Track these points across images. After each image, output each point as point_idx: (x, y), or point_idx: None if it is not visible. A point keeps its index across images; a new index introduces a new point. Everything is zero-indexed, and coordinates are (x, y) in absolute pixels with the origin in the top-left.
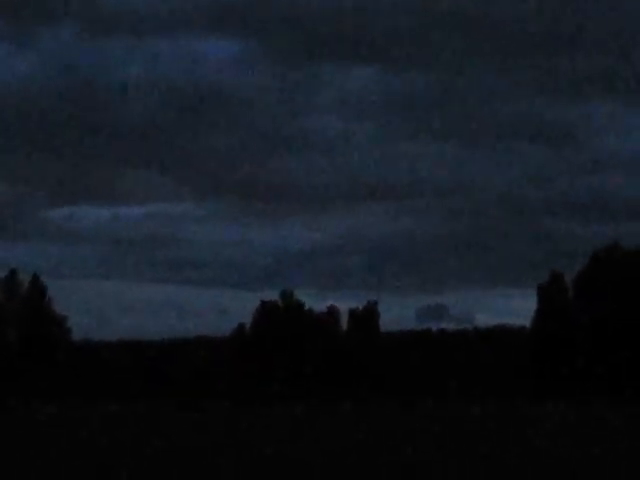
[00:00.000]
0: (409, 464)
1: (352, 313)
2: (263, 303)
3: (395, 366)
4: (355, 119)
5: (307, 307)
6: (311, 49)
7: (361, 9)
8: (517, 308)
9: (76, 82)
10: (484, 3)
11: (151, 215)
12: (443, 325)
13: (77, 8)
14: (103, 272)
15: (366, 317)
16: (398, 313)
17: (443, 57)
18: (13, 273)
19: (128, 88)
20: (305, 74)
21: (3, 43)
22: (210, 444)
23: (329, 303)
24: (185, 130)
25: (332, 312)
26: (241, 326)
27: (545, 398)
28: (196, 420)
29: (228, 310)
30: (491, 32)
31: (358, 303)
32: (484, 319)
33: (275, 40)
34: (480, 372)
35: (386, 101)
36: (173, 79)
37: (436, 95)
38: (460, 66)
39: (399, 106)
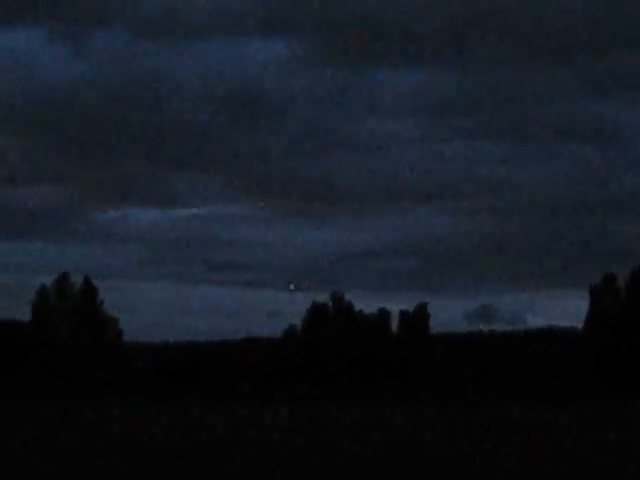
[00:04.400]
0: (472, 467)
1: (402, 315)
2: (314, 305)
3: (445, 368)
4: (405, 120)
5: (357, 309)
6: (361, 51)
7: (410, 12)
8: (569, 310)
9: (127, 85)
10: (532, 3)
11: (202, 217)
12: (493, 327)
13: (129, 12)
14: (154, 274)
15: (416, 319)
16: (448, 315)
17: (493, 58)
18: (65, 275)
19: (178, 91)
20: (355, 76)
21: (57, 47)
22: (264, 444)
23: (379, 305)
24: (235, 132)
25: (382, 314)
26: (292, 327)
27: (598, 399)
28: (248, 421)
29: (279, 312)
30: (540, 32)
31: (408, 305)
32: (535, 321)
33: (325, 42)
34: (531, 374)
35: (437, 102)
36: (223, 81)
37: (487, 96)
38: (510, 67)
39: (450, 107)
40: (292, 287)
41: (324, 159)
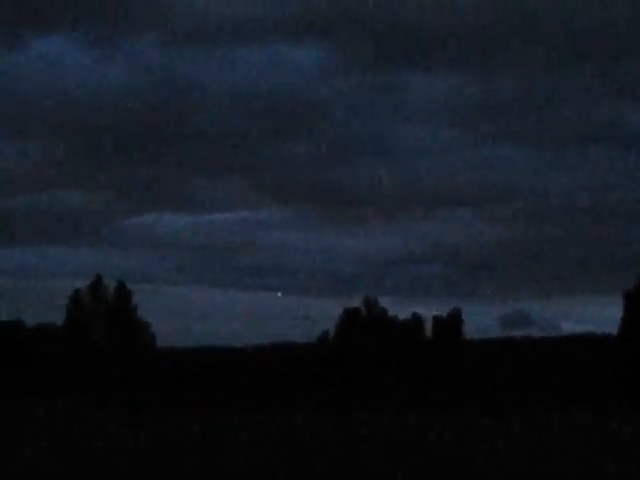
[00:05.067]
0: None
1: (436, 320)
2: (347, 310)
3: (479, 374)
4: (438, 126)
5: (391, 314)
6: (396, 56)
7: (446, 16)
8: (603, 315)
9: (160, 91)
10: (568, 9)
11: (234, 222)
12: (528, 332)
13: (163, 17)
14: (187, 278)
15: (450, 324)
16: (482, 320)
17: (524, 64)
18: (99, 279)
19: (210, 97)
20: (391, 81)
21: (91, 52)
22: (298, 450)
23: (413, 310)
24: (267, 138)
25: (416, 319)
26: (325, 333)
27: (634, 405)
28: (282, 427)
29: (312, 317)
30: (574, 37)
31: (442, 310)
32: (569, 326)
33: (358, 48)
34: (565, 380)
35: (470, 107)
36: (255, 87)
37: (522, 100)
38: (545, 72)
39: (483, 112)
40: (280, 294)
41: (357, 165)
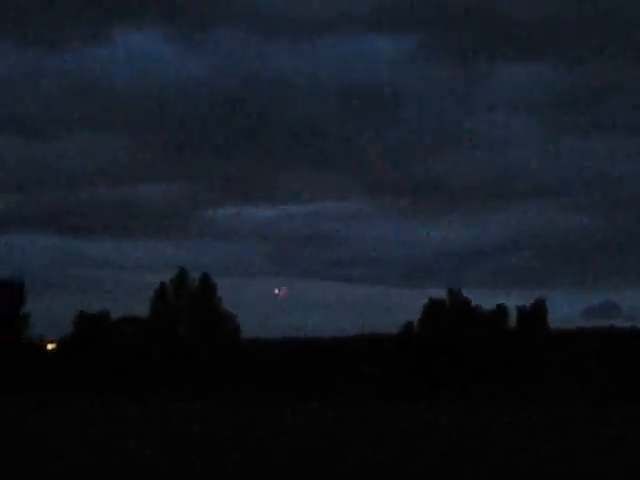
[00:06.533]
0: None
1: (520, 311)
2: (430, 301)
3: (564, 364)
4: (520, 115)
5: (474, 304)
6: (475, 46)
7: (526, 5)
8: None
9: (242, 83)
10: None
11: (317, 213)
12: (614, 322)
13: (242, 10)
14: (270, 270)
15: (534, 315)
16: (567, 310)
17: (607, 52)
18: (183, 272)
19: (293, 88)
20: (470, 71)
21: (171, 46)
22: (387, 442)
23: (497, 301)
24: (349, 129)
25: (500, 310)
26: (409, 324)
27: None
28: (365, 417)
29: (396, 308)
30: None
31: (526, 301)
32: None
33: (442, 37)
34: None
35: (553, 96)
36: (337, 78)
37: (602, 90)
38: (626, 61)
39: (566, 101)
40: (277, 291)
41: (440, 156)
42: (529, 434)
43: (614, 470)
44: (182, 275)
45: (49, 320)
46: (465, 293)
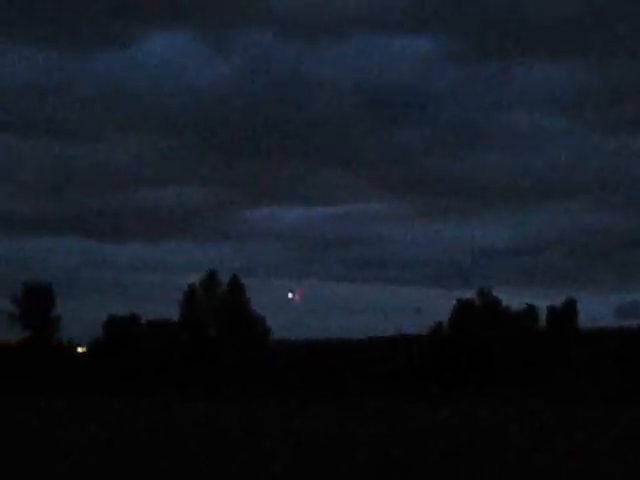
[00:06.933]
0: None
1: (550, 311)
2: (460, 301)
3: (595, 364)
4: (552, 114)
5: (504, 305)
6: (507, 45)
7: (558, 3)
8: None
9: (271, 85)
10: None
11: (346, 214)
12: None
13: (272, 12)
14: (299, 272)
15: (565, 314)
16: (598, 310)
17: (635, 50)
18: (212, 274)
19: (321, 89)
20: (496, 69)
21: (201, 48)
22: (412, 442)
23: (527, 300)
24: (379, 129)
25: (530, 310)
26: (438, 324)
27: None
28: (395, 418)
29: (425, 308)
30: None
31: (556, 300)
32: None
33: (470, 37)
34: None
35: (586, 95)
36: (366, 79)
37: (629, 88)
38: None
39: (599, 100)
40: (290, 294)
41: (469, 155)
42: (566, 431)
43: (631, 470)
44: (212, 277)
45: (79, 323)
46: (495, 293)
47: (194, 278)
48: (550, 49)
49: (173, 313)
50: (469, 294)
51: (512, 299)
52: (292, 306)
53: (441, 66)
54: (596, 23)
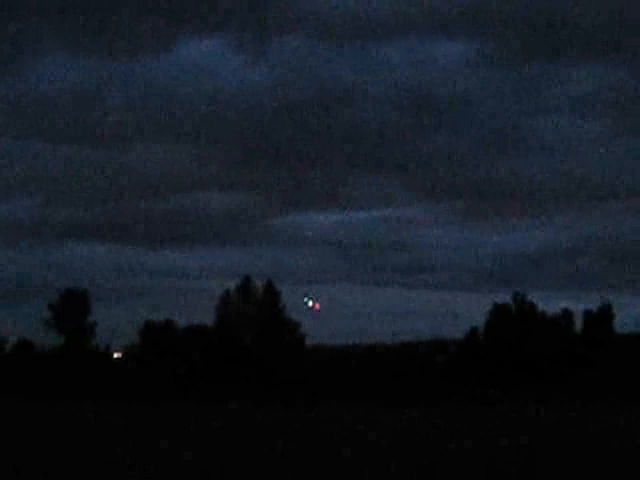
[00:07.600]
0: None
1: (586, 315)
2: (496, 306)
3: (631, 369)
4: (585, 117)
5: (540, 309)
6: (539, 48)
7: (590, 6)
8: None
9: (307, 90)
10: None
11: (381, 219)
12: None
13: (308, 17)
14: (335, 277)
15: (601, 318)
16: (634, 314)
17: None
18: (248, 279)
19: (357, 94)
20: (537, 73)
21: (237, 54)
22: (449, 445)
23: (562, 305)
24: (415, 133)
25: (566, 314)
26: (474, 329)
27: None
28: (431, 422)
29: (460, 313)
30: None
31: (592, 304)
32: None
33: (506, 40)
34: None
35: (620, 97)
36: (403, 83)
37: None
38: None
39: (633, 103)
40: (306, 300)
41: (502, 160)
42: (604, 434)
43: None
44: (247, 283)
45: (115, 329)
46: (530, 297)
47: (230, 284)
48: (594, 51)
49: (209, 319)
50: (504, 299)
51: (547, 303)
52: (328, 311)
53: (477, 70)
54: (630, 28)
